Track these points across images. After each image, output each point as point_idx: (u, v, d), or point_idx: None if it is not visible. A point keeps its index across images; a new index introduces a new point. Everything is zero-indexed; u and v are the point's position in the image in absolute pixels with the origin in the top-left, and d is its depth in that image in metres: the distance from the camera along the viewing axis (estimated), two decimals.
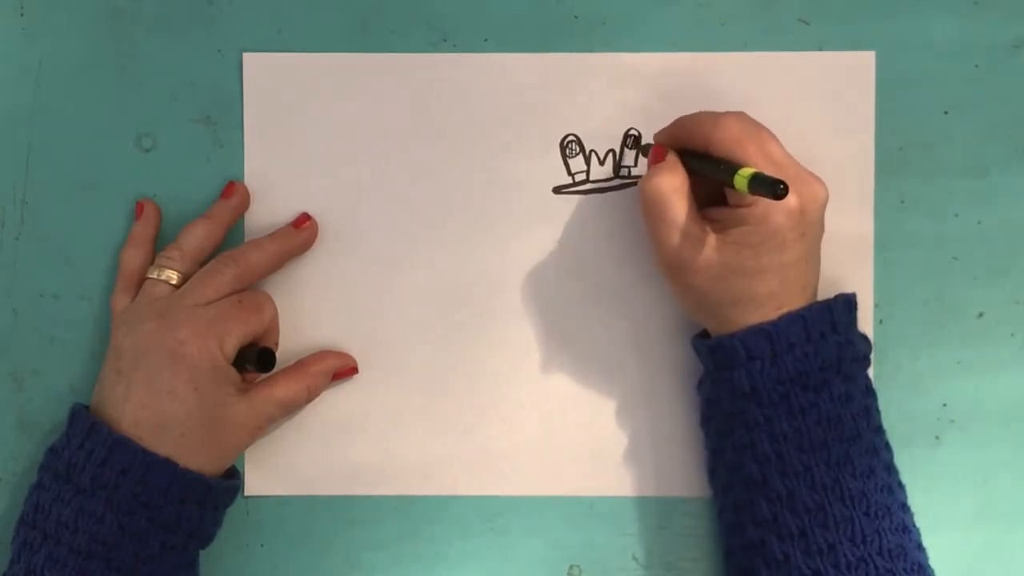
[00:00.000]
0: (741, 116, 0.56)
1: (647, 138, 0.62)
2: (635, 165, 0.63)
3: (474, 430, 0.63)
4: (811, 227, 0.55)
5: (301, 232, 0.62)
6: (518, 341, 0.63)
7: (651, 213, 0.56)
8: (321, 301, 0.63)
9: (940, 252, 0.63)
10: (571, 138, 0.63)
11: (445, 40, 0.63)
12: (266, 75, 0.63)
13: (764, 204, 0.54)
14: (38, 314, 0.63)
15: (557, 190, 0.63)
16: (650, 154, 0.58)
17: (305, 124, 0.63)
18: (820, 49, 0.63)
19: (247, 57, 0.63)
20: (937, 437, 0.63)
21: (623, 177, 0.63)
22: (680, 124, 0.58)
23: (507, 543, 0.63)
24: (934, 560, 0.57)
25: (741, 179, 0.52)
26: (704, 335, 0.59)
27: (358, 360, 0.62)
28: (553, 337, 0.63)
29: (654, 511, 0.63)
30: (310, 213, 0.62)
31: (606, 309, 0.63)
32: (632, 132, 0.62)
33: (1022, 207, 0.63)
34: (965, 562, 0.62)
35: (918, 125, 0.63)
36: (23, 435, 0.63)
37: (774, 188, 0.50)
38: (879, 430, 0.57)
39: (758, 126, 0.56)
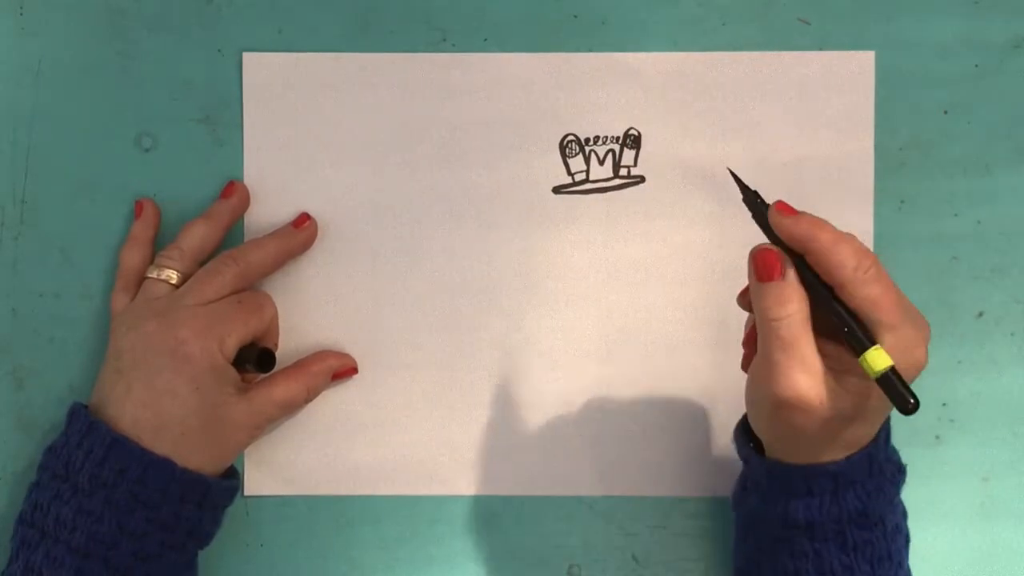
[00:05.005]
0: (874, 266, 0.49)
1: (646, 138, 0.62)
2: (635, 164, 0.63)
3: (474, 430, 0.63)
4: None
5: (301, 232, 0.62)
6: (518, 341, 0.63)
7: (779, 346, 0.50)
8: (321, 301, 0.63)
9: (940, 252, 0.63)
10: (571, 138, 0.63)
11: (445, 40, 0.63)
12: (266, 75, 0.63)
13: (902, 369, 0.49)
14: (38, 314, 0.63)
15: (557, 190, 0.63)
16: (759, 262, 0.51)
17: (305, 124, 0.63)
18: (820, 49, 0.63)
19: (247, 57, 0.63)
20: (937, 437, 0.63)
21: (623, 177, 0.63)
22: (808, 239, 0.50)
23: (507, 543, 0.63)
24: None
25: (870, 367, 0.48)
26: (747, 432, 0.56)
27: (358, 360, 0.62)
28: (553, 336, 0.63)
29: (654, 511, 0.63)
30: (310, 213, 0.62)
31: (606, 309, 0.63)
32: (632, 132, 0.63)
33: (1022, 207, 0.63)
34: (966, 561, 0.62)
35: (918, 125, 0.63)
36: (23, 435, 0.63)
37: (904, 403, 0.47)
38: (908, 543, 0.55)
39: (885, 276, 0.50)
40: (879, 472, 0.53)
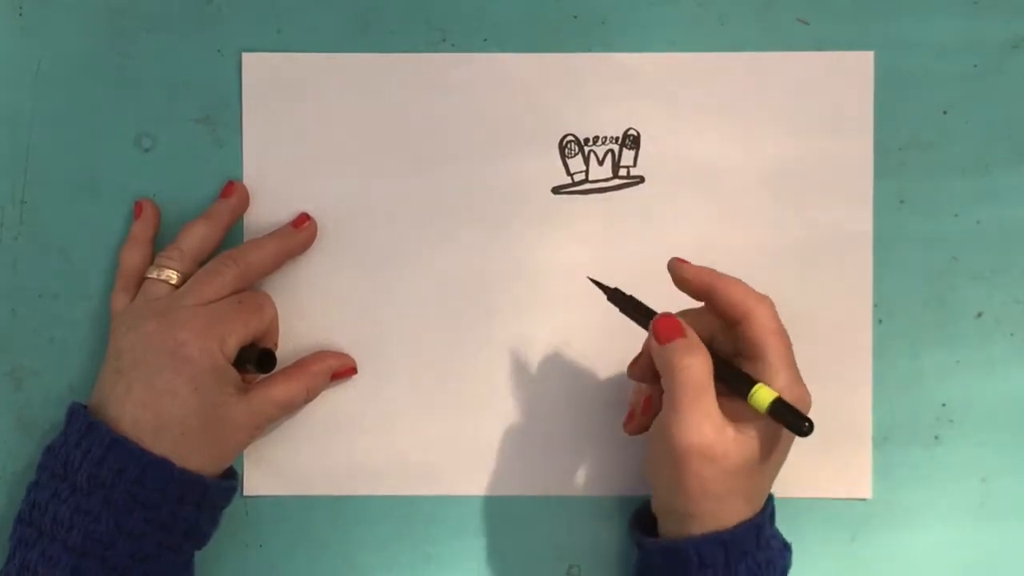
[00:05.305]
0: (773, 305, 0.54)
1: (646, 138, 0.62)
2: (634, 165, 0.63)
3: (473, 430, 0.63)
4: None
5: (300, 232, 0.62)
6: (518, 341, 0.63)
7: (688, 397, 0.52)
8: (321, 301, 0.63)
9: (940, 252, 0.63)
10: (570, 138, 0.63)
11: (444, 40, 0.63)
12: (265, 75, 0.63)
13: (793, 403, 0.52)
14: (38, 314, 0.63)
15: (556, 190, 0.63)
16: (663, 328, 0.54)
17: (304, 124, 0.63)
18: (819, 49, 0.63)
19: (246, 57, 0.63)
20: (937, 437, 0.63)
21: (622, 177, 0.63)
22: (711, 282, 0.55)
23: (507, 543, 0.63)
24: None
25: (759, 403, 0.52)
26: (640, 524, 0.59)
27: (357, 360, 0.62)
28: (553, 337, 0.63)
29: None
30: (309, 213, 0.62)
31: (605, 309, 0.63)
32: (631, 132, 0.63)
33: (1022, 207, 0.63)
34: (965, 561, 0.62)
35: (917, 125, 0.63)
36: (22, 435, 0.63)
37: (799, 425, 0.51)
38: None
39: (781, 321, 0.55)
40: (767, 546, 0.55)
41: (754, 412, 0.52)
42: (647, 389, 0.58)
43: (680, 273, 0.55)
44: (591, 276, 0.58)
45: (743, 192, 0.63)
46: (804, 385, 0.54)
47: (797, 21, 0.63)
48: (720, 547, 0.53)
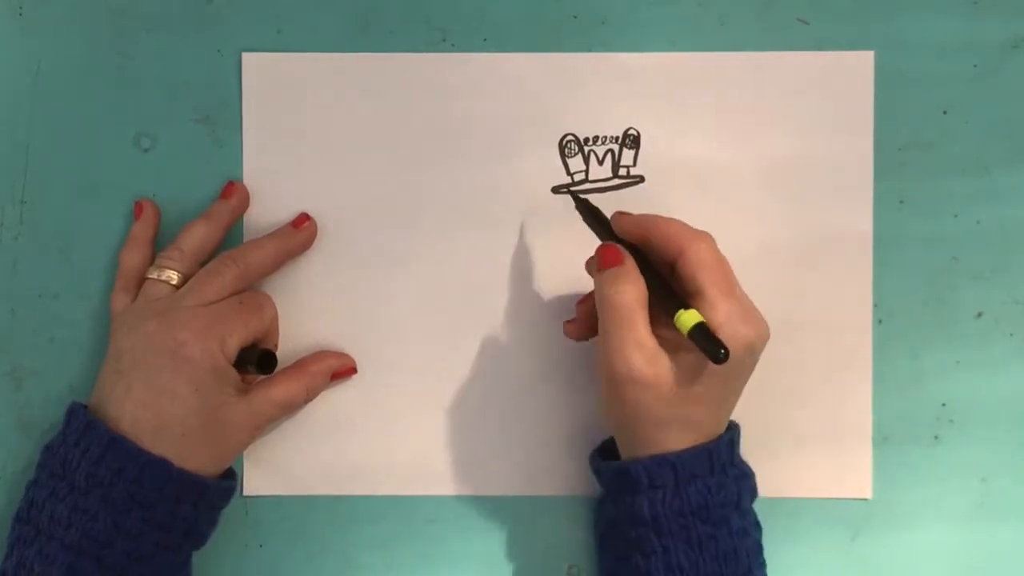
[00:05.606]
0: (712, 241, 0.55)
1: (646, 138, 0.62)
2: (634, 164, 0.63)
3: (473, 430, 0.63)
4: (754, 364, 0.55)
5: (300, 232, 0.62)
6: (517, 341, 0.63)
7: (615, 322, 0.54)
8: (321, 301, 0.63)
9: (939, 252, 0.63)
10: (570, 138, 0.63)
11: (444, 40, 0.63)
12: (265, 75, 0.63)
13: (726, 338, 0.52)
14: (37, 314, 0.63)
15: (556, 190, 0.63)
16: (602, 254, 0.55)
17: (304, 124, 0.63)
18: (819, 49, 0.63)
19: (246, 57, 0.63)
20: (936, 437, 0.63)
21: (622, 177, 0.63)
22: (649, 224, 0.55)
23: (507, 543, 0.63)
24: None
25: (683, 325, 0.52)
26: (603, 453, 0.59)
27: (357, 360, 0.62)
28: (552, 337, 0.63)
29: None
30: (309, 213, 0.62)
31: None
32: (631, 132, 0.63)
33: (1021, 207, 0.63)
34: (964, 562, 0.62)
35: (917, 125, 0.63)
36: (22, 434, 0.63)
37: (715, 351, 0.51)
38: (763, 565, 0.57)
39: (723, 257, 0.55)
40: (721, 471, 0.55)
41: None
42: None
43: (620, 226, 0.56)
44: (571, 189, 0.60)
45: (743, 192, 0.63)
46: (752, 321, 0.54)
47: (797, 21, 0.63)
48: (669, 468, 0.54)
